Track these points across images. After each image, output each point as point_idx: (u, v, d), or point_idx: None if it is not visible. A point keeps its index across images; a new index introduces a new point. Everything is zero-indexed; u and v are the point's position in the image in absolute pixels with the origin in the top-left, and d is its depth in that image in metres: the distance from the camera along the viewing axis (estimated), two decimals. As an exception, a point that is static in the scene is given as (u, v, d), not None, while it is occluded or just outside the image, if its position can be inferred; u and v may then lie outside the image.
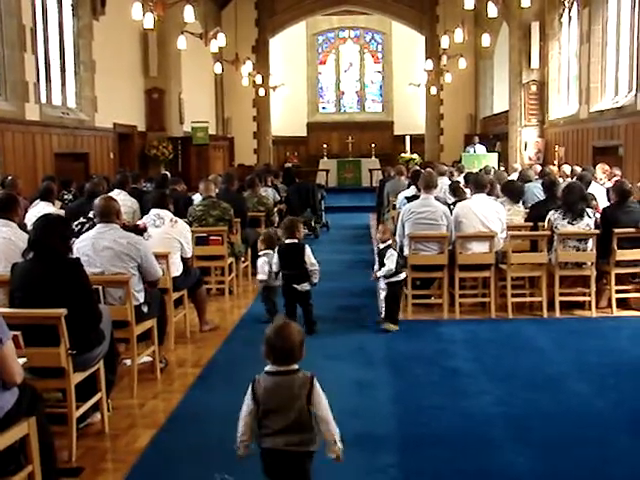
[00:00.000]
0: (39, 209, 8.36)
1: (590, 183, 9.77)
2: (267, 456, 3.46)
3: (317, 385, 3.44)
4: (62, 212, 8.42)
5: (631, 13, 14.47)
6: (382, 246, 7.38)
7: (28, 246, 4.81)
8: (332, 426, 3.45)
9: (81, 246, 5.63)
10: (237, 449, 3.52)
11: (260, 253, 8.06)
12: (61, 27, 14.68)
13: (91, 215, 7.21)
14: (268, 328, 3.49)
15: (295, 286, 7.23)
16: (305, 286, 7.28)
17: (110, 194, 7.88)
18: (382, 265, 7.31)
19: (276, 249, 7.56)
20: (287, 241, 7.38)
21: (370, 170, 25.46)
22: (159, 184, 10.70)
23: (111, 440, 4.80)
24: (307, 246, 7.44)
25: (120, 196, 9.23)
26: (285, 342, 3.41)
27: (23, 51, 12.27)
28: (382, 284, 7.41)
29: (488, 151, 20.81)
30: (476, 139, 21.99)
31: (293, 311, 7.33)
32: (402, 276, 7.41)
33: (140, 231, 6.78)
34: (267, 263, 7.76)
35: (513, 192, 9.05)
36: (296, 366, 3.46)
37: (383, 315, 7.43)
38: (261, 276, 7.83)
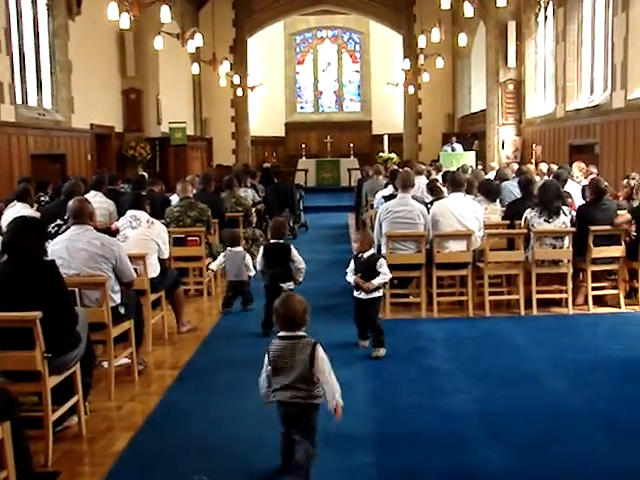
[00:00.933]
0: (15, 211, 8.29)
1: (566, 181, 9.83)
2: (279, 407, 4.12)
3: (319, 350, 4.04)
4: (38, 214, 8.34)
5: (605, 12, 14.61)
6: (366, 255, 6.65)
7: (2, 248, 4.77)
8: (331, 387, 4.05)
9: (56, 249, 5.58)
10: (265, 400, 4.20)
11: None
12: (36, 27, 14.59)
13: (67, 216, 7.18)
14: (276, 300, 4.17)
15: (281, 285, 7.23)
16: (290, 285, 7.32)
17: (86, 196, 7.84)
18: (368, 276, 6.56)
19: (261, 248, 7.67)
20: (272, 241, 7.55)
21: (349, 170, 25.52)
22: (136, 185, 10.65)
23: (88, 443, 4.76)
24: (292, 246, 7.52)
25: (96, 198, 9.20)
26: (289, 311, 4.06)
27: (-2, 52, 12.18)
28: (360, 294, 6.64)
29: (466, 150, 20.92)
30: (453, 138, 22.11)
31: (271, 313, 7.21)
32: (381, 292, 6.77)
33: (112, 233, 6.74)
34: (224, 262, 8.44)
35: (489, 191, 9.10)
36: (302, 332, 4.08)
37: (367, 340, 6.76)
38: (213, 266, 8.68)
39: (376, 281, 6.55)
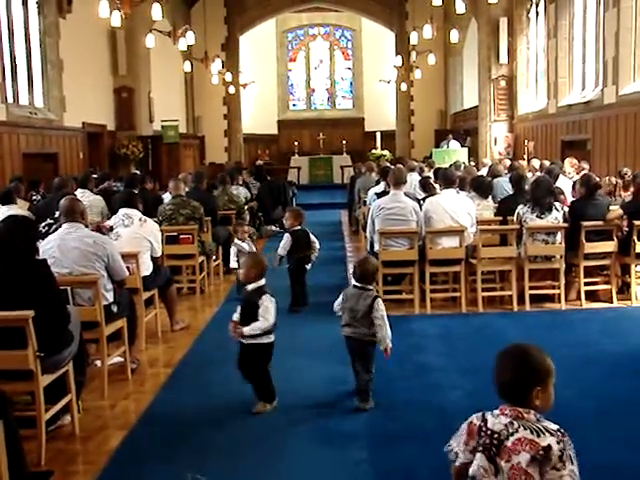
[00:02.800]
0: (2, 212, 8.26)
1: (558, 177, 9.87)
2: (346, 340, 5.24)
3: (379, 302, 5.09)
4: (29, 213, 8.31)
5: (596, 8, 14.64)
6: (250, 288, 5.16)
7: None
8: (384, 331, 5.05)
9: (47, 247, 5.57)
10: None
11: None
12: (27, 26, 14.54)
13: (57, 214, 7.16)
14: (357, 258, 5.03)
15: (306, 267, 8.18)
16: (309, 266, 8.24)
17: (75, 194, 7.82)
18: (247, 315, 5.08)
19: (287, 234, 8.27)
20: (297, 228, 8.23)
21: (341, 167, 25.51)
22: (128, 183, 10.62)
23: (82, 442, 4.75)
24: (308, 230, 8.30)
25: (85, 196, 9.20)
26: (365, 269, 5.22)
27: (-12, 51, 12.14)
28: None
29: (462, 147, 20.93)
30: (450, 136, 22.12)
31: (301, 289, 8.22)
32: (272, 337, 5.16)
33: (102, 232, 6.70)
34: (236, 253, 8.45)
35: (481, 188, 9.11)
36: (370, 287, 5.21)
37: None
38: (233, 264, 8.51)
39: (249, 329, 4.99)
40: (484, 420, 2.60)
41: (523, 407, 2.56)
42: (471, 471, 2.58)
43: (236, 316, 5.14)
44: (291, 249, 8.09)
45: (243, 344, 5.14)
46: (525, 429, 2.51)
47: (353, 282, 5.26)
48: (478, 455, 2.56)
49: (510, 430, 2.52)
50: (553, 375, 2.59)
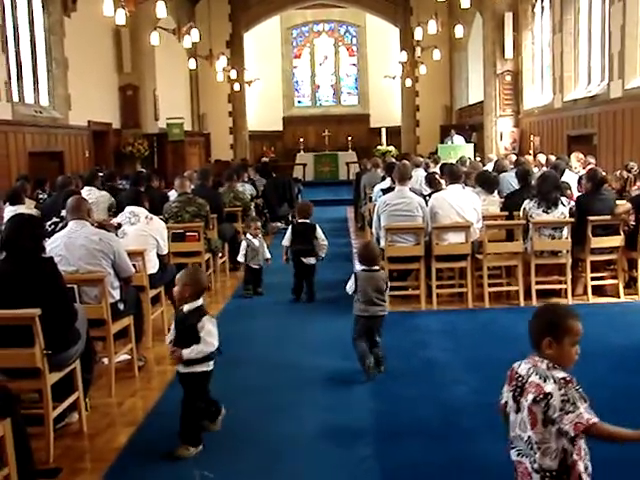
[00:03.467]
0: (10, 210, 8.28)
1: (564, 172, 9.85)
2: (360, 319, 5.75)
3: (387, 279, 5.91)
4: (36, 212, 8.34)
5: (602, 2, 14.58)
6: (186, 309, 4.48)
7: (0, 246, 4.77)
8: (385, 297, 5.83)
9: (54, 246, 5.59)
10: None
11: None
12: (32, 24, 14.55)
13: (64, 213, 7.17)
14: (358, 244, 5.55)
15: (302, 259, 8.30)
16: (311, 260, 8.36)
17: (82, 192, 7.85)
18: (184, 340, 4.41)
19: (290, 226, 8.79)
20: (300, 220, 8.52)
21: (347, 163, 25.50)
22: (134, 181, 10.63)
23: (89, 439, 4.77)
24: (317, 225, 8.49)
25: (91, 193, 9.23)
26: (369, 252, 5.83)
27: (-7, 49, 12.16)
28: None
29: (467, 142, 20.88)
30: (453, 131, 22.06)
31: (301, 282, 8.43)
32: (211, 365, 4.52)
33: (108, 230, 6.70)
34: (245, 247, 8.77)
35: (487, 182, 9.09)
36: (377, 267, 5.85)
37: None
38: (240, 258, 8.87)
39: (189, 351, 4.36)
40: (518, 366, 2.99)
41: (539, 355, 2.90)
42: (507, 407, 3.01)
43: (170, 337, 4.54)
44: (292, 241, 8.39)
45: (179, 373, 4.54)
46: (536, 375, 2.86)
47: (361, 267, 5.81)
48: (510, 394, 2.97)
49: (529, 374, 2.89)
50: (572, 335, 2.89)
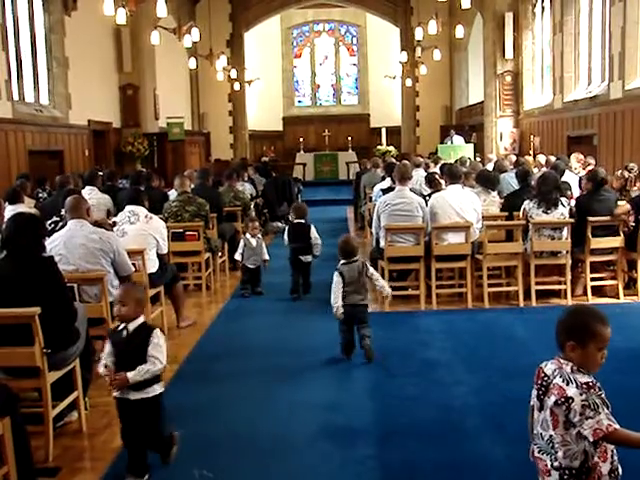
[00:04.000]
0: (10, 209, 8.28)
1: (564, 172, 9.84)
2: (350, 308, 6.08)
3: (366, 264, 6.29)
4: (35, 211, 8.33)
5: (602, 3, 14.58)
6: (131, 327, 4.08)
7: (1, 245, 4.77)
8: (381, 281, 6.43)
9: (54, 245, 5.59)
10: (336, 313, 6.06)
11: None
12: (32, 23, 14.53)
13: (63, 212, 7.17)
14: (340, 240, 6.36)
15: (300, 257, 8.62)
16: (308, 257, 8.67)
17: (82, 192, 7.85)
18: (129, 362, 3.97)
19: (287, 227, 9.24)
20: (296, 221, 8.84)
21: (347, 163, 25.51)
22: (134, 181, 10.64)
23: (89, 439, 4.77)
24: (312, 225, 8.84)
25: (92, 194, 9.22)
26: (348, 246, 6.28)
27: (-7, 48, 12.15)
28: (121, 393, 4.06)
29: (466, 142, 20.88)
30: (452, 131, 22.05)
31: (298, 277, 8.67)
32: (162, 386, 4.17)
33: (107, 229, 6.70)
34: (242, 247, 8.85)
35: (487, 180, 9.10)
36: (356, 258, 6.22)
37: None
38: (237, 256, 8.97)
39: (135, 373, 3.93)
40: (545, 365, 2.98)
41: (564, 357, 2.88)
42: (531, 402, 3.03)
43: (106, 362, 4.03)
44: (290, 240, 8.76)
45: (125, 402, 4.03)
46: (560, 377, 2.83)
47: (342, 262, 6.25)
48: (535, 392, 2.98)
49: (554, 375, 2.87)
50: (598, 341, 2.82)
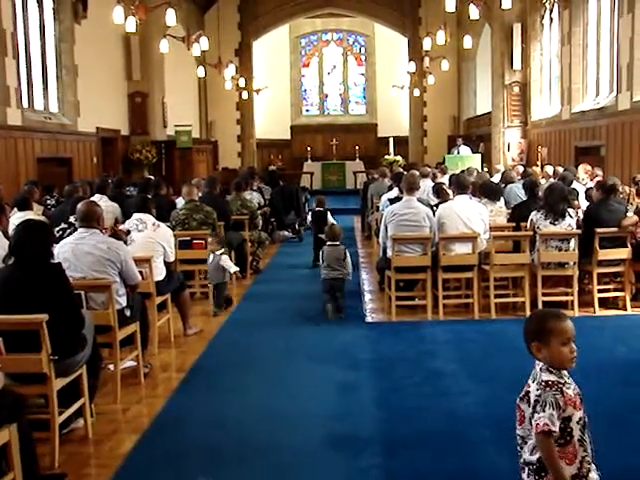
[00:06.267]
0: (18, 216, 8.31)
1: (572, 183, 9.84)
2: (329, 281, 8.01)
3: (347, 252, 8.14)
4: (44, 218, 8.36)
5: (611, 14, 14.58)
6: None
7: (9, 251, 4.79)
8: (349, 268, 8.11)
9: (62, 251, 5.60)
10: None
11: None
12: (42, 31, 14.63)
13: (72, 220, 7.20)
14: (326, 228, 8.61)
15: (319, 235, 10.52)
16: (323, 236, 9.52)
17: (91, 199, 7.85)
18: None
19: (310, 213, 12.62)
20: (317, 209, 12.03)
21: (354, 172, 25.48)
22: (142, 188, 10.67)
23: (95, 445, 4.77)
24: (329, 212, 11.87)
25: (101, 201, 9.22)
26: (333, 232, 8.23)
27: (4, 55, 12.20)
28: None
29: (473, 152, 20.88)
30: (459, 140, 22.03)
31: (317, 252, 10.01)
32: None
33: (118, 236, 6.71)
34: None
35: (491, 191, 9.11)
36: (338, 243, 8.13)
37: None
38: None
39: None
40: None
41: (534, 357, 3.00)
42: None
43: None
44: (312, 222, 11.89)
45: None
46: (531, 376, 2.98)
47: (328, 244, 8.15)
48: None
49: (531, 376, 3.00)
50: (558, 335, 2.93)
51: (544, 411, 2.81)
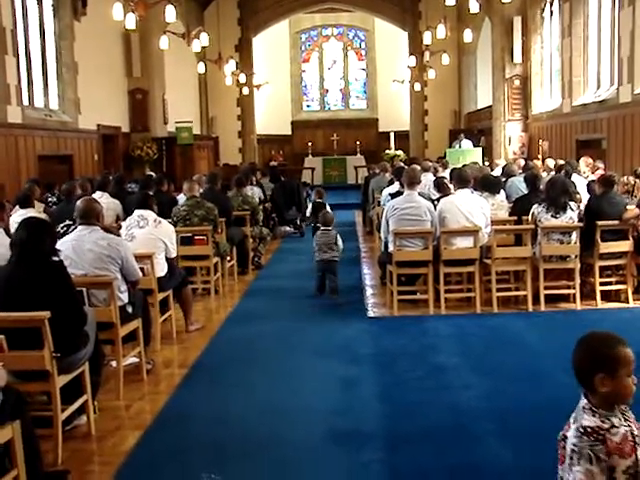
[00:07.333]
0: (20, 214, 8.31)
1: (571, 176, 9.83)
2: (323, 262, 8.65)
3: (338, 236, 8.75)
4: (45, 216, 8.36)
5: (611, 7, 14.56)
6: None
7: (11, 249, 4.79)
8: (340, 250, 8.74)
9: (63, 249, 5.59)
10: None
11: None
12: (42, 28, 14.60)
13: (74, 216, 7.20)
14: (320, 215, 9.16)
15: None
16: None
17: (93, 196, 7.87)
18: None
19: (311, 204, 13.49)
20: (317, 200, 12.92)
21: (355, 167, 25.48)
22: (143, 185, 10.67)
23: (97, 442, 4.78)
24: (327, 204, 12.41)
25: (102, 198, 9.23)
26: (326, 219, 8.90)
27: (4, 53, 12.19)
28: None
29: (475, 146, 20.85)
30: (462, 135, 22.03)
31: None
32: None
33: (117, 233, 6.71)
34: None
35: (489, 184, 9.09)
36: (330, 227, 8.73)
37: None
38: None
39: None
40: None
41: (590, 392, 2.56)
42: None
43: None
44: (311, 213, 12.75)
45: None
46: (574, 413, 2.59)
47: (321, 229, 8.84)
48: None
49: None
50: (625, 364, 2.53)
51: (579, 464, 2.44)
